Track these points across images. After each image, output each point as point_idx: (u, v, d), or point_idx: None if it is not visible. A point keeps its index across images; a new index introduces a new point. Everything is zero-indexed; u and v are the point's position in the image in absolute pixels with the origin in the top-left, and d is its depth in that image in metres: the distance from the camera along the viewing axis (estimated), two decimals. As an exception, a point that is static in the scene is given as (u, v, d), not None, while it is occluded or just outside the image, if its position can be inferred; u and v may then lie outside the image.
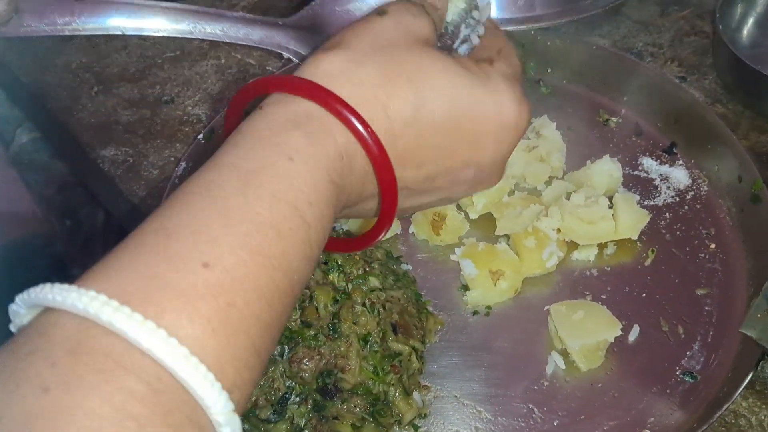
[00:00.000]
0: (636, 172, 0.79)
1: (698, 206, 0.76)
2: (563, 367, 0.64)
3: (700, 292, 0.69)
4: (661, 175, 0.78)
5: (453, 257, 0.72)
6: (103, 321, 0.28)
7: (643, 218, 0.72)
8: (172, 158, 0.85)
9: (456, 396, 0.64)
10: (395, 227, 0.74)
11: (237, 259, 0.32)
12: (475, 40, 0.49)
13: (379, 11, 0.43)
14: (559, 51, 0.86)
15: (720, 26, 0.84)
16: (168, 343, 0.28)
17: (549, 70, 0.87)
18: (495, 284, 0.69)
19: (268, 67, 0.95)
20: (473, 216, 0.75)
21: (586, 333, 0.65)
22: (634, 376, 0.64)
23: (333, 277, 0.62)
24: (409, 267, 0.72)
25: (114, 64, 0.96)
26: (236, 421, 0.31)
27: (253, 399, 0.58)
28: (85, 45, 0.98)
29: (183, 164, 0.76)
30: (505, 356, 0.66)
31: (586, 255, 0.72)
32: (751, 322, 0.60)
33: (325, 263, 0.63)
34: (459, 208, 0.76)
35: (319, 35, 0.52)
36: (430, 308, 0.69)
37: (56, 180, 1.04)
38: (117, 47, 0.98)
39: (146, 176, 0.83)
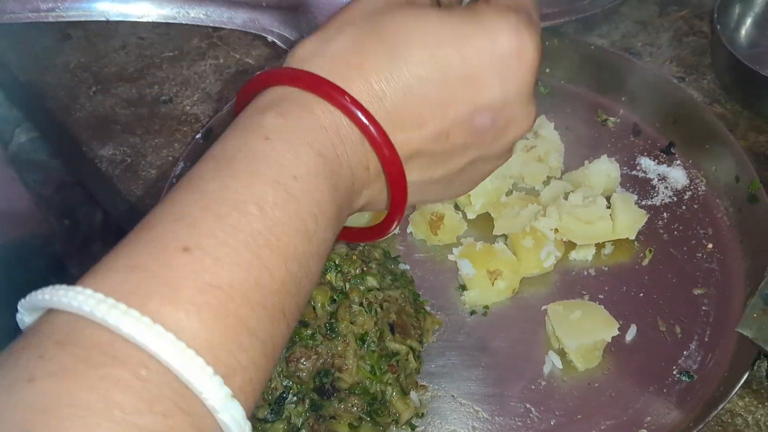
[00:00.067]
0: (634, 172, 0.79)
1: (696, 206, 0.76)
2: (560, 366, 0.65)
3: (697, 291, 0.69)
4: (659, 175, 0.79)
5: (451, 257, 0.72)
6: (86, 313, 0.28)
7: (641, 218, 0.72)
8: (171, 158, 0.85)
9: (453, 395, 0.64)
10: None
11: (216, 240, 0.31)
12: None
13: None
14: (558, 51, 0.86)
15: (718, 26, 0.84)
16: (153, 330, 0.28)
17: (547, 70, 0.87)
18: (493, 284, 0.69)
19: (267, 67, 0.95)
20: (471, 216, 0.75)
21: (583, 333, 0.65)
22: (631, 375, 0.64)
23: (330, 276, 0.62)
24: (407, 267, 0.72)
25: (112, 64, 0.96)
26: (235, 407, 0.30)
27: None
28: (83, 44, 0.98)
29: (181, 164, 0.76)
30: (502, 356, 0.66)
31: (583, 255, 0.72)
32: (747, 321, 0.60)
33: (323, 263, 0.63)
34: (457, 207, 0.76)
35: (304, 15, 0.51)
36: (427, 308, 0.69)
37: (55, 180, 1.05)
38: (115, 47, 0.98)
39: (144, 176, 0.83)
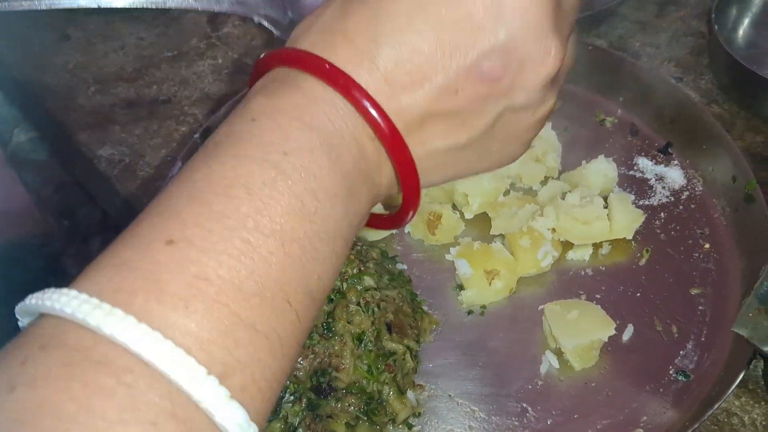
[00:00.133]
0: (631, 172, 0.79)
1: (693, 206, 0.76)
2: (557, 366, 0.65)
3: (694, 291, 0.69)
4: (656, 175, 0.79)
5: (448, 257, 0.72)
6: (69, 315, 0.27)
7: (638, 218, 0.72)
8: (169, 158, 0.85)
9: (450, 395, 0.64)
10: (391, 227, 0.74)
11: (202, 229, 0.29)
12: None
13: None
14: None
15: (716, 27, 0.84)
16: (138, 329, 0.26)
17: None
18: (490, 284, 0.69)
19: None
20: (468, 216, 0.75)
21: (580, 332, 0.65)
22: (627, 375, 0.64)
23: (328, 276, 0.62)
24: (405, 266, 0.72)
25: (111, 64, 0.96)
26: (235, 409, 0.27)
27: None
28: (82, 44, 0.99)
29: (179, 164, 0.76)
30: (499, 355, 0.66)
31: (580, 255, 0.72)
32: (743, 321, 0.60)
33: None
34: (454, 207, 0.76)
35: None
36: (425, 308, 0.69)
37: (54, 179, 1.05)
38: (114, 47, 0.98)
39: (142, 176, 0.83)
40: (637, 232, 0.73)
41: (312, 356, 0.58)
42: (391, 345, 0.62)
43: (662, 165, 0.79)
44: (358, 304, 0.61)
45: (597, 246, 0.73)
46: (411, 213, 0.39)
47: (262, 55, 0.37)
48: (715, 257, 0.71)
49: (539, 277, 0.71)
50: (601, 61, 0.85)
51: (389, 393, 0.60)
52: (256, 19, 0.52)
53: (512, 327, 0.68)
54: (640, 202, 0.76)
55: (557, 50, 0.36)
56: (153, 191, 0.81)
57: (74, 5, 0.48)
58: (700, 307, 0.68)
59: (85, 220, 1.02)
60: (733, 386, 0.58)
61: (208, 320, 0.28)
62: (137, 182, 0.83)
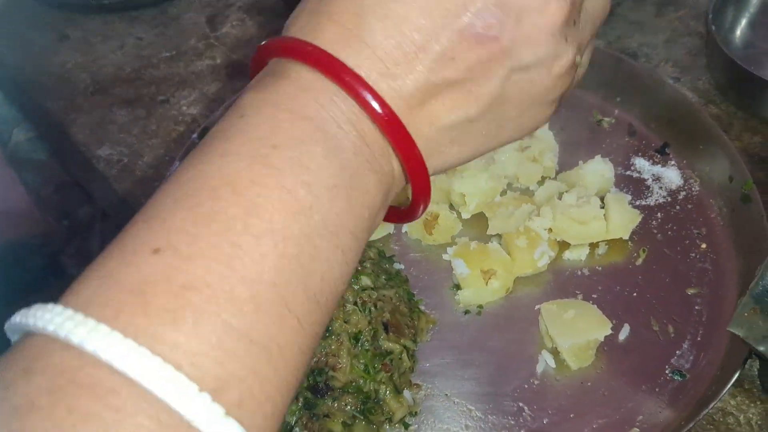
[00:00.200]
0: (628, 173, 0.79)
1: (690, 206, 0.76)
2: (554, 365, 0.65)
3: (690, 291, 0.69)
4: (653, 175, 0.79)
5: (445, 256, 0.73)
6: (52, 332, 0.25)
7: (635, 218, 0.72)
8: (167, 158, 0.85)
9: (447, 394, 0.64)
10: (388, 227, 0.75)
11: (188, 235, 0.27)
12: None
13: None
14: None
15: (713, 27, 0.84)
16: (124, 346, 0.24)
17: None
18: (487, 283, 0.69)
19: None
20: (465, 215, 0.75)
21: (576, 332, 0.65)
22: (623, 374, 0.64)
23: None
24: (402, 266, 0.72)
25: (110, 64, 0.96)
26: (231, 427, 0.25)
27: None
28: (81, 45, 0.99)
29: (177, 164, 0.76)
30: (496, 355, 0.66)
31: (577, 254, 0.72)
32: (739, 320, 0.60)
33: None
34: (451, 207, 0.76)
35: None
36: (422, 307, 0.69)
37: (54, 179, 1.05)
38: (113, 47, 0.98)
39: (141, 176, 0.84)
40: (633, 232, 0.73)
41: (308, 355, 0.58)
42: (387, 344, 0.62)
43: (659, 165, 0.79)
44: (355, 303, 0.62)
45: (594, 246, 0.73)
46: (422, 203, 0.36)
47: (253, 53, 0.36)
48: (711, 257, 0.72)
49: (536, 276, 0.71)
50: (598, 62, 0.85)
51: (386, 392, 0.60)
52: None
53: (509, 327, 0.68)
54: (637, 202, 0.76)
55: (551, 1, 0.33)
56: (151, 191, 0.81)
57: None
58: (696, 307, 0.68)
59: (85, 221, 1.02)
60: (729, 386, 0.58)
61: (198, 332, 0.26)
62: (136, 182, 0.83)
